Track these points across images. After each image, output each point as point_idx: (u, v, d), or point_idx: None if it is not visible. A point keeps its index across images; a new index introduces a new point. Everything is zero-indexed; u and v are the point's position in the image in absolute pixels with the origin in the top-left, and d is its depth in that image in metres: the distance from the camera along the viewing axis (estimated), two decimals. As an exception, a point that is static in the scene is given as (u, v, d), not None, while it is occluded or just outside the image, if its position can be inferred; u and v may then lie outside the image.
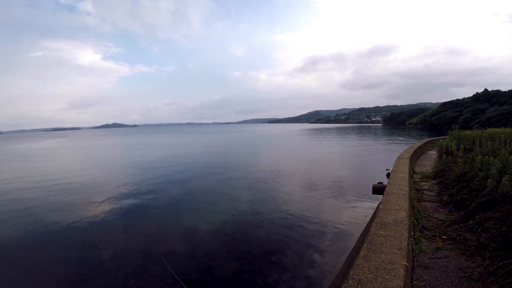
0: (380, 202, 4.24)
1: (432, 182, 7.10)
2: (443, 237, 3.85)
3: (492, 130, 13.12)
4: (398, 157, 9.04)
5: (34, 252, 7.24)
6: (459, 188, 5.33)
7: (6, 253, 7.27)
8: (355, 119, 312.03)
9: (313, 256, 6.51)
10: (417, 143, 14.46)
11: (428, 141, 17.05)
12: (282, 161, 22.90)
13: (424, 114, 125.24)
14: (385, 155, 24.94)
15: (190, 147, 38.74)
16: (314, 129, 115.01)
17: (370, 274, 2.22)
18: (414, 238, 3.74)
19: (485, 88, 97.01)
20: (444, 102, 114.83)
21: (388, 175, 8.82)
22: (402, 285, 2.07)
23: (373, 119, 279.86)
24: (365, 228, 7.05)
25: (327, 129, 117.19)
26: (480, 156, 6.10)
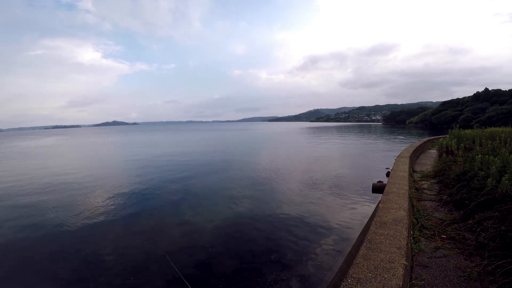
0: (380, 201, 4.24)
1: (432, 181, 7.11)
2: (443, 236, 3.86)
3: (493, 129, 13.10)
4: (398, 156, 9.04)
5: (34, 250, 7.25)
6: (459, 187, 5.33)
7: (6, 251, 7.28)
8: (355, 118, 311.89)
9: (312, 254, 6.53)
10: (417, 142, 14.47)
11: (428, 140, 17.05)
12: (282, 159, 22.91)
13: (424, 113, 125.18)
14: (385, 154, 24.94)
15: (190, 145, 38.74)
16: (314, 128, 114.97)
17: (369, 273, 2.23)
18: (414, 237, 3.75)
19: (486, 87, 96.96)
20: (445, 101, 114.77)
21: (388, 174, 8.83)
22: (401, 284, 2.08)
23: (373, 117, 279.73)
24: (364, 226, 7.07)
25: (327, 127, 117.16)
26: (480, 155, 6.09)
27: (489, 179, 4.63)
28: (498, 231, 3.31)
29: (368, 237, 2.87)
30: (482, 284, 2.73)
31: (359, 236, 6.62)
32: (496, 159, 5.46)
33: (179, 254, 6.70)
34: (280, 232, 7.85)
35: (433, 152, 13.62)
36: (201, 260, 6.36)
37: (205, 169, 18.62)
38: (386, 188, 4.82)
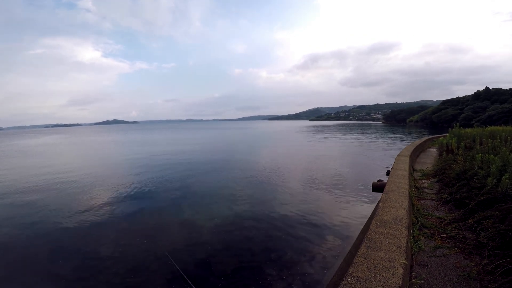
0: (380, 200, 4.24)
1: (432, 180, 7.10)
2: (442, 235, 3.86)
3: (493, 128, 13.09)
4: (398, 155, 9.03)
5: (34, 248, 7.27)
6: (459, 186, 5.33)
7: (6, 250, 7.30)
8: (355, 117, 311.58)
9: (312, 253, 6.53)
10: (417, 141, 14.46)
11: (429, 139, 17.03)
12: (282, 158, 22.91)
13: (424, 112, 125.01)
14: (385, 152, 24.93)
15: (190, 144, 38.73)
16: (314, 126, 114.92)
17: (369, 272, 2.23)
18: (413, 236, 3.75)
19: (486, 86, 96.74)
20: (445, 99, 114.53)
21: (388, 173, 8.82)
22: (400, 283, 2.08)
23: (374, 116, 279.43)
24: (364, 225, 7.07)
25: (327, 126, 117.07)
26: (480, 154, 6.09)
27: (489, 178, 4.62)
28: (498, 231, 3.31)
29: (368, 236, 2.87)
30: (481, 283, 2.73)
31: (359, 235, 6.63)
32: (496, 158, 5.45)
33: (179, 252, 6.71)
34: (280, 231, 7.85)
35: (433, 151, 13.61)
36: (201, 259, 6.37)
37: (205, 167, 18.63)
38: (386, 187, 4.82)
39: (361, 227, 7.45)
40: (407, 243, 2.85)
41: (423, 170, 8.48)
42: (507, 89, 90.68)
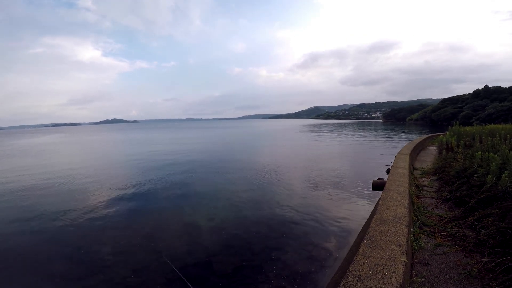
0: (380, 198, 4.24)
1: (432, 178, 7.11)
2: (443, 233, 3.86)
3: (492, 126, 13.11)
4: (398, 153, 9.04)
5: (34, 248, 7.26)
6: (459, 185, 5.33)
7: (6, 249, 7.29)
8: (355, 115, 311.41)
9: (312, 252, 6.54)
10: (417, 139, 14.46)
11: (428, 137, 17.05)
12: (282, 156, 22.91)
13: (424, 110, 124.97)
14: (385, 150, 24.94)
15: (189, 143, 38.72)
16: (314, 125, 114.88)
17: (370, 270, 2.23)
18: (414, 235, 3.75)
19: (486, 85, 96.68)
20: (445, 98, 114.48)
21: (388, 171, 8.82)
22: (401, 281, 2.08)
23: (373, 115, 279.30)
24: (365, 224, 7.07)
25: (327, 125, 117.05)
26: (480, 152, 6.09)
27: (489, 176, 4.62)
28: (498, 228, 3.31)
29: (368, 235, 2.87)
30: (482, 281, 2.74)
31: (359, 233, 6.63)
32: (496, 156, 5.45)
33: (179, 252, 6.71)
34: (281, 229, 7.86)
35: (433, 149, 13.61)
36: (201, 258, 6.36)
37: (205, 166, 18.62)
38: (386, 185, 4.82)
39: (362, 225, 7.46)
40: (408, 241, 2.85)
41: (423, 168, 8.48)
42: (507, 87, 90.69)
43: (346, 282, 2.10)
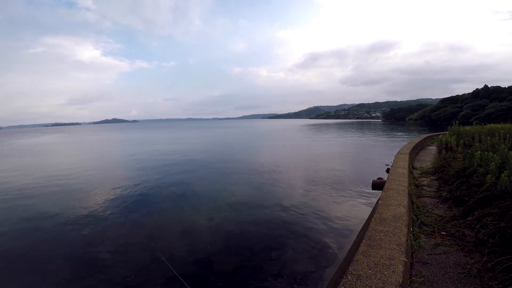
0: (380, 197, 4.24)
1: (432, 177, 7.11)
2: (442, 233, 3.87)
3: (492, 125, 13.13)
4: (398, 153, 9.05)
5: (34, 248, 7.26)
6: (458, 184, 5.34)
7: (6, 249, 7.29)
8: (354, 115, 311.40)
9: (312, 251, 6.54)
10: (416, 139, 14.47)
11: (428, 137, 17.06)
12: (282, 156, 22.91)
13: (424, 110, 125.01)
14: (385, 150, 24.96)
15: (189, 143, 38.69)
16: (314, 125, 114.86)
17: (369, 269, 2.23)
18: (413, 234, 3.76)
19: (485, 84, 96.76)
20: (444, 98, 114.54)
21: (387, 171, 8.83)
22: (400, 281, 2.08)
23: (373, 114, 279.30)
24: (364, 223, 7.08)
25: (327, 124, 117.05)
26: (479, 152, 6.09)
27: (489, 176, 4.63)
28: (498, 228, 3.32)
29: (368, 234, 2.87)
30: (481, 280, 2.74)
31: (359, 233, 6.64)
32: (495, 155, 5.46)
33: (179, 252, 6.72)
34: (280, 229, 7.86)
35: (433, 148, 13.62)
36: (201, 258, 6.37)
37: (205, 166, 18.62)
38: (386, 185, 4.83)
39: (361, 225, 7.46)
40: (407, 240, 2.85)
41: (422, 167, 8.48)
42: (506, 87, 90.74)
43: (346, 281, 2.10)
